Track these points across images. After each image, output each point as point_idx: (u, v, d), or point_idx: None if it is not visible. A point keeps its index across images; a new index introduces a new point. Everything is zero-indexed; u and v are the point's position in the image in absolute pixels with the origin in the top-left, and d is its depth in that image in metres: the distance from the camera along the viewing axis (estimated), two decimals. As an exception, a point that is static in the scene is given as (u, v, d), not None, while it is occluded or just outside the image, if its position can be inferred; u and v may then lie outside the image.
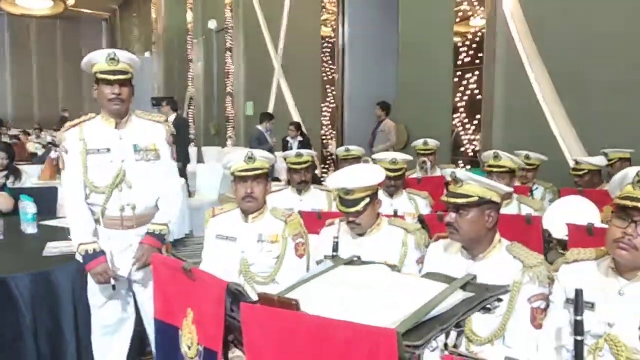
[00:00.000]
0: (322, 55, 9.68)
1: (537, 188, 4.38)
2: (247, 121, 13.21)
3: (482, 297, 1.58)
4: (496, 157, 3.53)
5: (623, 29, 5.02)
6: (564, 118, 5.65)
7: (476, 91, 6.47)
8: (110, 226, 2.75)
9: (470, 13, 6.51)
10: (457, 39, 6.69)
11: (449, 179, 2.23)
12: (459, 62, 6.67)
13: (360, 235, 2.54)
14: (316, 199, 3.77)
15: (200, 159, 11.83)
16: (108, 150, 2.71)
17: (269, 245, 2.66)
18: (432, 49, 7.21)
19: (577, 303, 1.72)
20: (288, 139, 8.99)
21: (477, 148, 6.52)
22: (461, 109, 6.69)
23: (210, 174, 7.81)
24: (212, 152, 12.08)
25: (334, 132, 9.62)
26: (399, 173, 3.71)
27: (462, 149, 6.65)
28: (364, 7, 9.32)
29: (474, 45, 6.47)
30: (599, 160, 4.28)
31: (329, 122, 9.73)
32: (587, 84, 5.32)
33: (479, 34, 6.41)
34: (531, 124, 5.94)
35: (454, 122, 6.80)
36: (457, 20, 6.68)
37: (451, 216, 2.09)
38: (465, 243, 2.14)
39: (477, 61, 6.44)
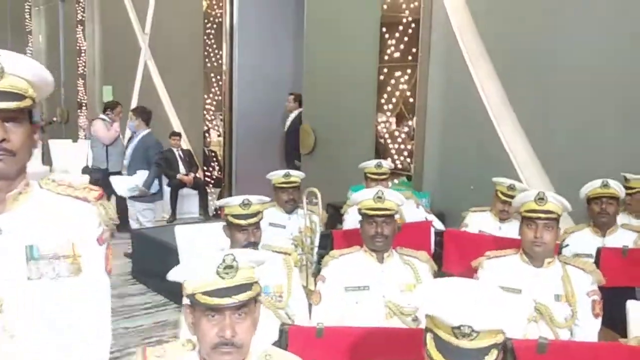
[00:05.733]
0: (205, 36, 8.17)
1: None
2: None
3: None
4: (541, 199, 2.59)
5: (582, 28, 4.36)
6: (515, 127, 4.89)
7: (408, 93, 5.51)
8: None
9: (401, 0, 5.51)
10: (384, 29, 5.66)
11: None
12: (386, 58, 5.66)
13: None
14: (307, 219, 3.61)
15: (46, 156, 9.73)
16: None
17: None
18: (350, 35, 6.12)
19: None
20: (173, 149, 7.73)
21: (408, 160, 5.58)
22: (388, 113, 5.70)
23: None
24: (60, 146, 10.03)
25: (219, 128, 8.19)
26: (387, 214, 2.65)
27: (389, 159, 5.68)
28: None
29: (406, 39, 5.49)
30: None
31: (213, 116, 8.27)
32: (541, 88, 4.65)
33: (412, 25, 5.43)
34: (474, 134, 5.13)
35: (378, 128, 5.80)
36: (385, 6, 5.65)
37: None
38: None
39: (410, 57, 5.47)
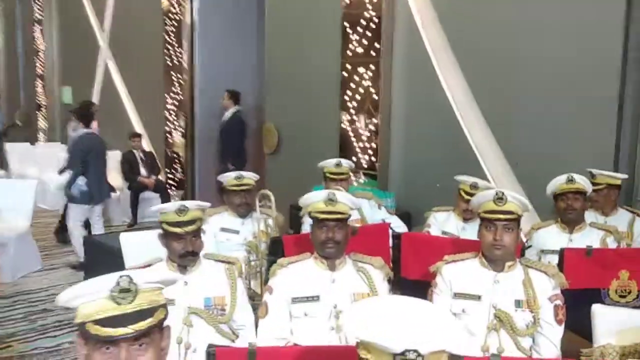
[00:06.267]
0: (166, 34, 7.91)
1: None
2: (64, 110, 10.84)
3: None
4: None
5: (546, 21, 4.27)
6: (480, 123, 4.76)
7: (372, 89, 5.35)
8: None
9: (363, -7, 5.36)
10: (346, 24, 5.49)
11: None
12: (349, 54, 5.49)
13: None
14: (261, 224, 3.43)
15: (2, 161, 9.35)
16: None
17: None
18: (312, 32, 5.94)
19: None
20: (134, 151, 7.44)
21: (373, 158, 5.42)
22: (352, 110, 5.54)
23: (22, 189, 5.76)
24: (18, 150, 9.62)
25: (181, 128, 7.94)
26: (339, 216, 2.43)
27: (354, 158, 5.51)
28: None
29: (369, 34, 5.32)
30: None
31: (175, 116, 8.02)
32: (506, 83, 4.54)
33: (375, 20, 5.27)
34: (440, 130, 4.99)
35: (343, 126, 5.62)
36: (347, 1, 5.47)
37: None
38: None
39: (373, 53, 5.31)
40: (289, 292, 2.36)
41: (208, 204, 2.55)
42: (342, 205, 2.40)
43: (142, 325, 1.19)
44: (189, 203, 2.33)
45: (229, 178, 3.56)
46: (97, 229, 5.65)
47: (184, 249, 2.29)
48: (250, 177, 3.59)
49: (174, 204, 2.31)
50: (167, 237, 2.32)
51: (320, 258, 2.41)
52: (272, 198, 3.27)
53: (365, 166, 5.49)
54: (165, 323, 1.39)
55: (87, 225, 5.73)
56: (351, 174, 4.04)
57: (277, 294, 2.36)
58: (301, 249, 2.63)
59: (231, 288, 2.38)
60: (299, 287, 2.36)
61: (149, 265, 2.43)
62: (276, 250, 2.80)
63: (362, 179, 5.51)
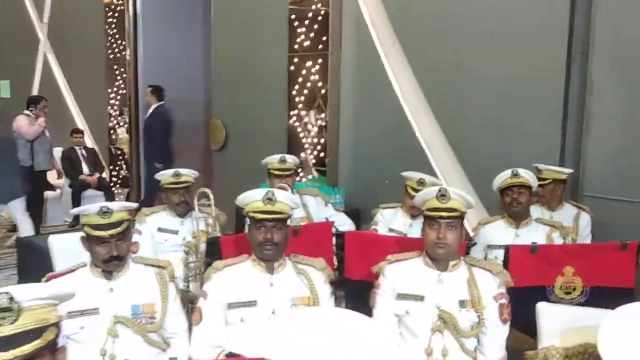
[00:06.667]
0: (107, 26, 7.59)
1: None
2: (1, 104, 10.33)
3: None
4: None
5: (495, 17, 4.25)
6: (429, 118, 4.71)
7: (320, 83, 5.24)
8: None
9: (311, -15, 5.23)
10: (293, 17, 5.36)
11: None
12: (296, 47, 5.37)
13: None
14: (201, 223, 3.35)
15: None
16: None
17: None
18: (258, 25, 5.79)
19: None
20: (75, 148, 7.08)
21: (322, 154, 5.32)
22: (300, 105, 5.41)
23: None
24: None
25: (126, 124, 7.65)
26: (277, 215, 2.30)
27: (303, 154, 5.39)
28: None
29: (316, 27, 5.21)
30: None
31: (118, 112, 7.72)
32: (454, 78, 4.51)
33: (322, 13, 5.16)
34: (388, 125, 4.93)
35: (291, 122, 5.50)
36: (294, -7, 5.36)
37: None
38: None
39: (320, 46, 5.20)
40: (225, 297, 2.22)
41: (135, 205, 2.38)
42: (281, 205, 2.27)
43: (26, 349, 1.03)
44: (113, 204, 2.16)
45: (166, 176, 3.41)
46: (25, 229, 5.34)
47: (109, 253, 2.12)
48: (188, 174, 3.43)
49: (95, 205, 2.14)
50: (90, 241, 2.15)
51: (258, 260, 2.28)
52: (212, 196, 3.12)
53: (315, 161, 5.38)
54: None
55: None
56: (308, 170, 3.92)
57: (212, 299, 2.22)
58: (241, 250, 2.49)
59: (162, 294, 2.22)
60: (235, 292, 2.22)
61: (72, 271, 2.25)
62: (213, 251, 2.65)
63: (312, 175, 5.40)
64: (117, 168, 7.81)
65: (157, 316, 2.19)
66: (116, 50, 7.57)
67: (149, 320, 2.17)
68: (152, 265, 2.28)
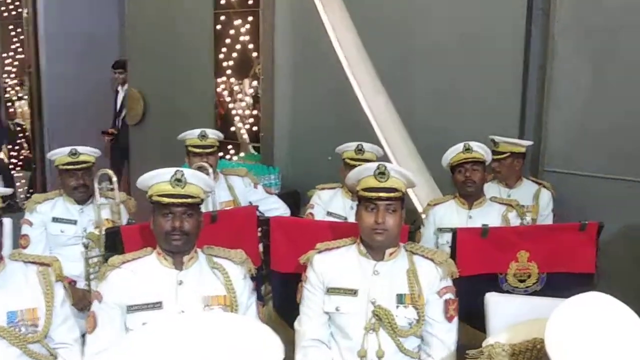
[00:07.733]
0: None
1: None
2: None
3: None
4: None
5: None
6: (376, 87, 4.66)
7: (250, 45, 5.12)
8: None
9: None
10: (219, -33, 5.21)
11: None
12: (223, 2, 5.22)
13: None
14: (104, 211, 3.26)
15: None
16: None
17: None
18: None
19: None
20: None
21: (255, 128, 5.22)
22: (229, 71, 5.28)
23: None
24: None
25: (25, 95, 7.36)
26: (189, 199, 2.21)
27: (233, 129, 5.28)
28: None
29: (246, -21, 5.08)
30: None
31: (16, 80, 7.41)
32: (403, 42, 4.49)
33: (252, -38, 5.03)
34: (330, 95, 4.86)
35: (217, 90, 5.37)
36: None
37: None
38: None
39: (251, 2, 5.07)
40: (124, 299, 2.12)
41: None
42: (192, 187, 2.16)
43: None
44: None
45: (60, 155, 3.23)
46: None
47: None
48: (88, 152, 3.27)
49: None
50: None
51: (164, 254, 2.18)
52: (114, 179, 2.99)
53: (246, 136, 5.28)
54: None
55: None
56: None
57: (108, 302, 2.12)
58: (148, 242, 2.38)
59: (46, 297, 2.09)
60: (136, 292, 2.12)
61: None
62: (114, 244, 2.53)
63: (243, 153, 5.30)
64: (16, 147, 7.52)
65: (39, 323, 2.07)
66: (11, 7, 7.22)
67: (29, 329, 2.05)
68: (34, 263, 2.15)
